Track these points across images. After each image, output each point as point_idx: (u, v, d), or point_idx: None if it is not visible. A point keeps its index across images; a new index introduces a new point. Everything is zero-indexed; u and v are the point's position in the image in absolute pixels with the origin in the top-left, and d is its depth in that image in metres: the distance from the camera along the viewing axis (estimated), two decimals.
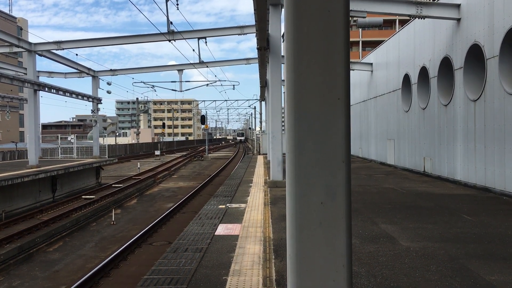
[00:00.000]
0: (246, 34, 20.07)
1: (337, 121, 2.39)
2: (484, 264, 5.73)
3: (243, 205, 10.74)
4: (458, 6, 14.10)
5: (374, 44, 43.47)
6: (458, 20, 14.12)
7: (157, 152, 46.13)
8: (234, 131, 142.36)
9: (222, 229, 8.09)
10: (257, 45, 15.92)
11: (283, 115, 24.32)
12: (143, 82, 34.78)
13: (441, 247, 6.58)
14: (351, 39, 58.81)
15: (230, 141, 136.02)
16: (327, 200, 2.41)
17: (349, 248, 2.45)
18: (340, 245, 2.43)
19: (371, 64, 25.36)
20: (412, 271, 5.47)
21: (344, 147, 2.41)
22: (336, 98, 2.38)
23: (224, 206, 10.63)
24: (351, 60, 31.41)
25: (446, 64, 15.11)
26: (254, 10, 12.95)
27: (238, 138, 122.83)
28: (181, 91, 29.88)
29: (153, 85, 36.06)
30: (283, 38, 15.94)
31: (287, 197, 2.48)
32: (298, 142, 2.40)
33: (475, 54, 13.15)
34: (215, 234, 7.71)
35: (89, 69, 26.86)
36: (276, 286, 5.05)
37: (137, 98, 59.38)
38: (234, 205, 10.77)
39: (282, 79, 15.53)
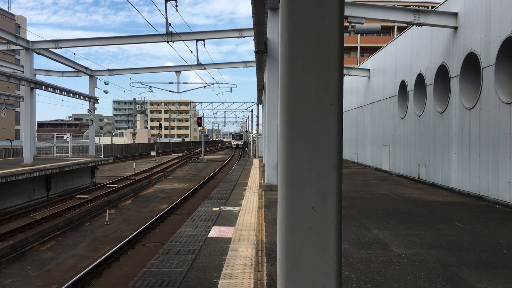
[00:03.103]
0: (244, 37, 20.15)
1: (329, 127, 2.40)
2: (475, 272, 5.75)
3: (237, 208, 10.74)
4: (455, 14, 14.19)
5: (372, 50, 43.67)
6: (455, 28, 14.20)
7: (153, 153, 46.06)
8: (231, 133, 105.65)
9: (215, 232, 8.09)
10: (255, 49, 15.96)
11: None
12: (141, 83, 34.83)
13: (433, 254, 6.60)
14: (349, 45, 59.22)
15: (227, 143, 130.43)
16: (318, 205, 2.41)
17: (338, 254, 2.45)
18: (330, 250, 2.43)
19: (368, 70, 25.45)
20: (403, 277, 5.49)
21: (335, 152, 2.41)
22: (329, 104, 2.39)
23: (218, 209, 10.63)
24: (348, 65, 31.57)
25: (442, 72, 15.19)
26: (253, 13, 13.00)
27: (234, 142, 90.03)
28: (178, 92, 29.87)
29: (150, 86, 36.10)
30: None
31: (278, 201, 2.49)
32: (290, 146, 2.41)
33: (472, 63, 13.22)
34: (208, 236, 7.71)
35: (86, 68, 26.83)
36: None
37: (134, 99, 59.33)
38: (228, 208, 10.77)
39: None
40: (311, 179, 2.40)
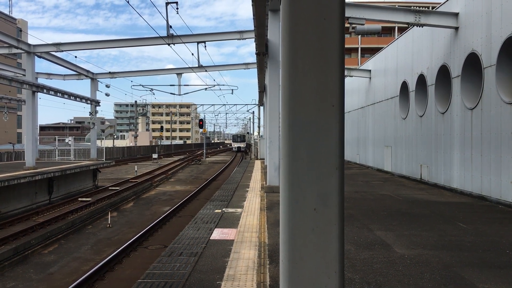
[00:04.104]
0: (245, 39, 20.17)
1: (331, 128, 2.40)
2: (478, 272, 5.74)
3: (239, 210, 10.73)
4: (456, 15, 14.19)
5: (373, 51, 43.66)
6: (456, 28, 14.20)
7: (155, 156, 46.11)
8: (232, 135, 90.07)
9: (218, 234, 8.08)
10: (256, 51, 15.98)
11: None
12: (142, 85, 34.83)
13: (435, 254, 6.59)
14: (350, 46, 59.27)
15: (228, 145, 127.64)
16: (320, 206, 2.41)
17: (341, 254, 2.45)
18: (332, 251, 2.43)
19: (370, 71, 25.45)
20: (406, 278, 5.48)
21: (337, 153, 2.41)
22: (330, 105, 2.39)
23: (220, 211, 10.63)
24: (349, 66, 31.58)
25: (443, 72, 15.18)
26: (253, 15, 13.02)
27: (236, 145, 76.38)
28: (179, 94, 29.90)
29: (151, 89, 36.14)
30: None
31: (280, 203, 2.49)
32: (292, 148, 2.41)
33: (473, 63, 13.21)
34: (211, 238, 7.71)
35: (88, 71, 26.88)
36: None
37: (135, 101, 59.38)
38: (230, 210, 10.77)
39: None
40: (313, 181, 2.40)
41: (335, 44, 2.39)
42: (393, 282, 5.34)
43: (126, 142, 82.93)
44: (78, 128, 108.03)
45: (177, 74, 27.68)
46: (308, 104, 2.40)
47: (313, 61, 2.39)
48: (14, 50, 20.69)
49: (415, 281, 5.38)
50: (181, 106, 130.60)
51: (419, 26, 14.76)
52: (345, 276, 5.49)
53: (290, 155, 2.43)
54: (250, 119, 74.69)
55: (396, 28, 54.83)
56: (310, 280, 2.43)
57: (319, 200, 2.42)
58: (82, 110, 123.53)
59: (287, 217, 2.43)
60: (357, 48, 59.23)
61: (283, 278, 2.45)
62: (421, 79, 17.21)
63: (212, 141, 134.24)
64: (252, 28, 15.59)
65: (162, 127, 69.79)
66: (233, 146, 78.33)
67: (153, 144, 76.54)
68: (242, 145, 75.37)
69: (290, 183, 2.43)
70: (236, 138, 79.21)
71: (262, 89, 30.69)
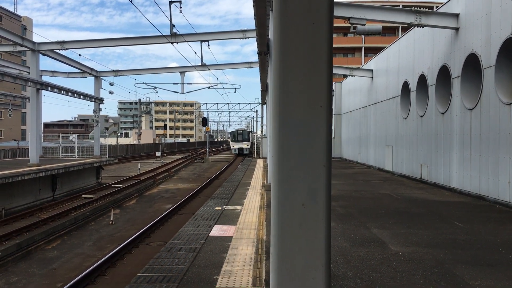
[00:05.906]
0: (248, 38, 20.27)
1: (319, 127, 2.52)
2: (470, 269, 5.87)
3: (239, 208, 10.88)
4: (456, 15, 14.27)
5: (377, 50, 43.61)
6: (457, 29, 14.28)
7: (158, 153, 46.30)
8: (231, 133, 60.59)
9: (217, 230, 8.24)
10: (258, 50, 16.09)
11: None
12: (146, 84, 35.02)
13: (429, 252, 6.72)
14: (353, 45, 59.14)
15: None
16: (308, 202, 2.54)
17: (328, 248, 2.57)
18: (319, 245, 2.55)
19: (372, 70, 25.52)
20: (399, 275, 5.61)
21: (325, 152, 2.54)
22: (319, 106, 2.52)
23: (220, 208, 10.78)
24: (352, 66, 31.57)
25: (444, 73, 15.27)
26: (254, 16, 13.15)
27: (236, 146, 54.77)
28: (183, 93, 30.05)
29: (155, 87, 36.33)
30: None
31: (271, 199, 2.62)
32: (282, 146, 2.54)
33: (472, 64, 13.30)
34: (210, 235, 7.86)
35: (91, 69, 27.07)
36: (265, 285, 5.20)
37: (139, 99, 59.58)
38: (230, 207, 10.92)
39: None
40: (302, 178, 2.53)
41: (323, 48, 2.52)
42: (385, 278, 5.47)
43: (129, 140, 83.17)
44: (82, 126, 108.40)
45: (181, 72, 27.83)
46: (297, 104, 2.53)
47: (302, 63, 2.51)
48: (19, 48, 20.89)
49: (408, 277, 5.51)
50: (184, 104, 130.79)
51: (420, 27, 14.84)
52: (339, 271, 5.64)
53: (280, 153, 2.55)
54: (253, 118, 73.85)
55: (400, 28, 54.73)
56: (298, 272, 2.55)
57: (307, 196, 2.54)
58: (86, 108, 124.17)
59: (277, 213, 2.56)
60: (361, 47, 59.24)
61: (273, 270, 2.57)
62: (422, 79, 17.30)
63: (216, 140, 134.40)
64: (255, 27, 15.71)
65: (165, 125, 70.05)
66: (232, 147, 56.40)
67: (157, 142, 76.79)
68: (245, 146, 54.77)
69: (280, 180, 2.55)
70: (237, 136, 56.24)
71: (264, 88, 30.84)
